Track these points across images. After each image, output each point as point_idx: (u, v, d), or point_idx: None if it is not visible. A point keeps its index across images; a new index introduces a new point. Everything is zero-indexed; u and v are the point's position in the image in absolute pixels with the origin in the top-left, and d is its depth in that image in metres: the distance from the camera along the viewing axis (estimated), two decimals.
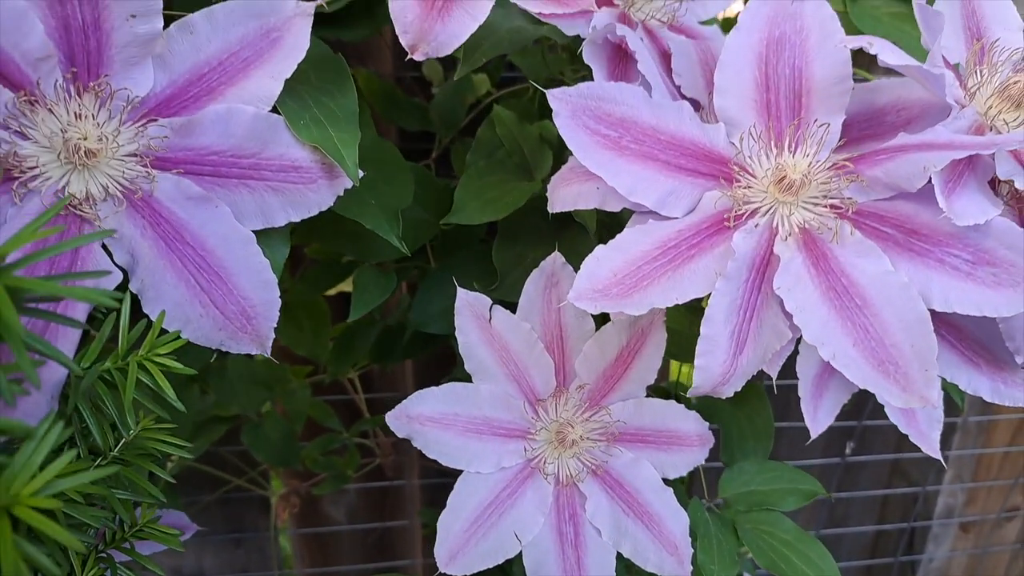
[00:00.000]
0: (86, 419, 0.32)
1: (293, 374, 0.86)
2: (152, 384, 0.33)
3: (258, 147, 0.39)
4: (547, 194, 0.47)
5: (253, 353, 0.39)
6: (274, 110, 0.39)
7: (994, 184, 0.43)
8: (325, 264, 0.71)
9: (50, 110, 0.34)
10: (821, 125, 0.40)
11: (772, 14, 0.43)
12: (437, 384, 0.48)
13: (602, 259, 0.39)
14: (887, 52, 0.37)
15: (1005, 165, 0.38)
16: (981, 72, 0.43)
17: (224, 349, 0.39)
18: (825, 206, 0.39)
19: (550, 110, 0.42)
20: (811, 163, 0.39)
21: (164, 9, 0.36)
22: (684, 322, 0.56)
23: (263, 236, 0.40)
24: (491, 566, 0.46)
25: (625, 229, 0.42)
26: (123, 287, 0.37)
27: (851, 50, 0.42)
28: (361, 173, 0.40)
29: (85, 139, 0.34)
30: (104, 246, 0.36)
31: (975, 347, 0.47)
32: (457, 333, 0.48)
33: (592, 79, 0.46)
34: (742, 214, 0.40)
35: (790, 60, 0.42)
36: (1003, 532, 1.24)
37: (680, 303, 0.38)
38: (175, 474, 0.41)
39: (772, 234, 0.39)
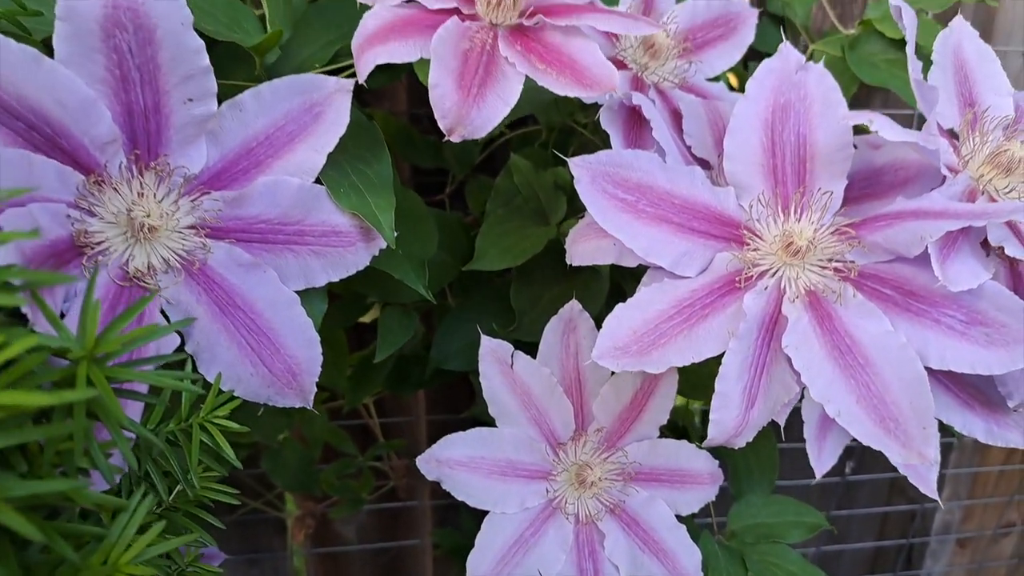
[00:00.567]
0: (153, 477, 0.35)
1: None
2: (212, 443, 0.36)
3: (302, 215, 0.42)
4: (566, 246, 0.50)
5: (297, 406, 0.42)
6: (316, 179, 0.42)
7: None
8: (345, 300, 0.74)
9: (115, 189, 0.37)
10: (825, 193, 0.43)
11: (777, 83, 0.46)
12: (448, 410, 0.51)
13: (622, 318, 0.42)
14: (887, 129, 0.40)
15: (997, 231, 0.41)
16: (974, 139, 0.46)
17: (271, 403, 0.41)
18: (829, 269, 0.42)
19: (563, 154, 0.45)
20: (816, 229, 0.42)
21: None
22: None
23: (303, 294, 0.43)
24: None
25: (640, 286, 0.44)
26: (179, 349, 0.39)
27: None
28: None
29: (148, 216, 0.37)
30: (162, 311, 0.39)
31: (970, 390, 0.50)
32: (481, 379, 0.50)
33: (602, 125, 0.49)
34: (752, 276, 0.43)
35: (795, 127, 0.45)
36: (999, 547, 1.27)
37: (696, 362, 0.40)
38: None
39: (780, 295, 0.42)
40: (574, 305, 0.52)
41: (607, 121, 0.48)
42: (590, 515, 0.51)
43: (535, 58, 0.40)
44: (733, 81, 0.78)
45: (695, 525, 0.59)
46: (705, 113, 0.52)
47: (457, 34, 0.39)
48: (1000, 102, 0.48)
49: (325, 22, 0.53)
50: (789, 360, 0.41)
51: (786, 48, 0.46)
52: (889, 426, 0.39)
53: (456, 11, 0.41)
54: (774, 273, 0.43)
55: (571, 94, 0.39)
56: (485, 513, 0.50)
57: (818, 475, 0.49)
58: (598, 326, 0.52)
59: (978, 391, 0.50)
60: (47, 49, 0.39)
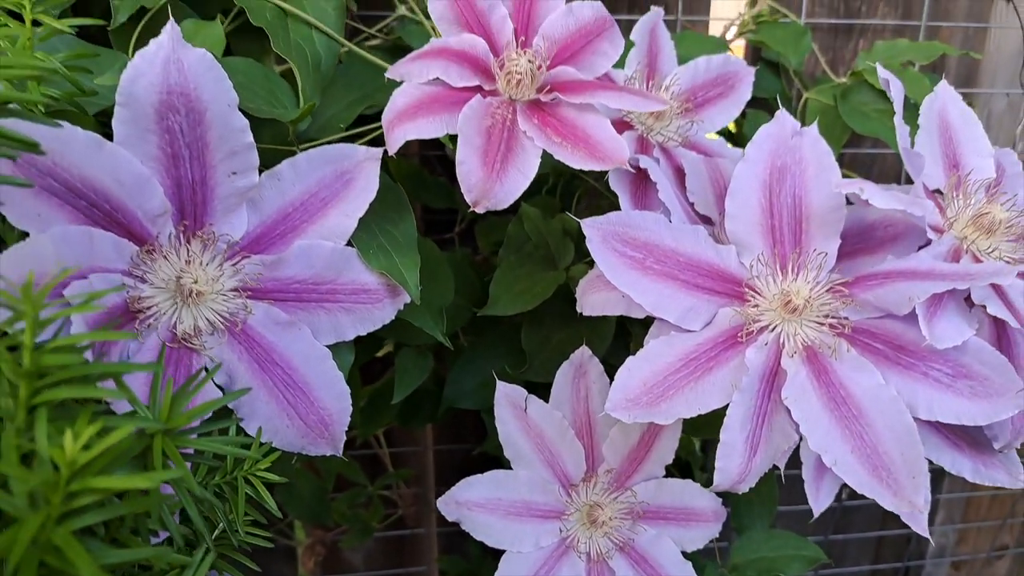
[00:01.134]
0: (197, 527, 0.38)
1: None
2: (255, 495, 0.39)
3: (335, 275, 0.45)
4: (576, 296, 0.53)
5: (328, 454, 0.45)
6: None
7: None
8: (362, 340, 0.77)
9: (165, 257, 0.40)
10: (820, 253, 0.46)
11: (775, 147, 0.49)
12: (455, 440, 0.53)
13: (632, 370, 0.45)
14: (876, 197, 0.44)
15: (980, 291, 0.45)
16: (958, 201, 0.49)
17: (305, 452, 0.44)
18: (825, 325, 0.45)
19: (570, 200, 0.48)
20: (812, 287, 0.46)
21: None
22: None
23: (333, 347, 0.46)
24: None
25: (648, 338, 0.47)
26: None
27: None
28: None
29: (196, 282, 0.40)
30: (204, 367, 0.42)
31: (958, 432, 0.53)
32: (497, 423, 0.53)
33: (611, 186, 0.52)
34: (752, 331, 0.46)
35: (791, 189, 0.49)
36: (993, 570, 1.30)
37: (702, 413, 0.43)
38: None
39: (779, 350, 0.45)
40: (584, 351, 0.55)
41: (615, 182, 0.51)
42: (601, 553, 0.53)
43: (551, 131, 0.43)
44: (731, 126, 0.81)
45: (700, 560, 0.62)
46: (707, 171, 0.55)
47: (480, 112, 0.43)
48: (982, 164, 0.52)
49: (347, 83, 0.56)
50: (788, 411, 0.44)
51: (782, 115, 0.49)
52: (882, 475, 0.41)
53: (479, 88, 0.44)
54: (773, 328, 0.46)
55: (585, 167, 0.42)
56: None
57: (816, 514, 0.51)
58: (604, 364, 0.55)
59: (966, 433, 0.53)
60: (99, 124, 0.42)
